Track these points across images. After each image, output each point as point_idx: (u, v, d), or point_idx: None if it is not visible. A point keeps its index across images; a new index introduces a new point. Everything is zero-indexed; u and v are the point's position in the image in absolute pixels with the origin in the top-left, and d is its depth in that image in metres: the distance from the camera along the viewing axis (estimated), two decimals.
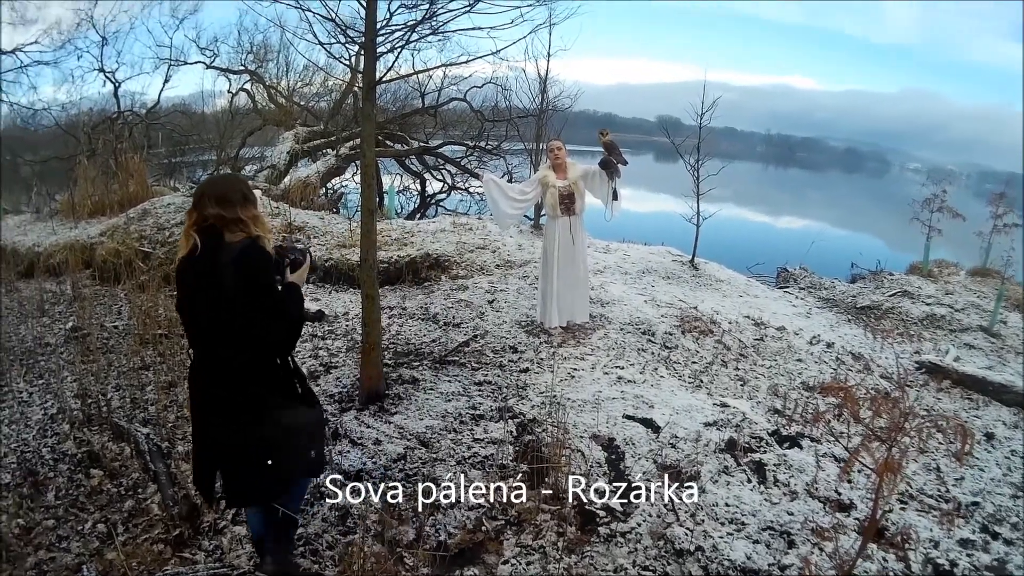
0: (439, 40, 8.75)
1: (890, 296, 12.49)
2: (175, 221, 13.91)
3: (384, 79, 7.14)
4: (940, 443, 7.19)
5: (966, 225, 14.83)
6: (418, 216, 22.15)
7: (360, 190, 7.67)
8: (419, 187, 26.04)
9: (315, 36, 7.17)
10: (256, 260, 3.87)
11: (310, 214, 15.04)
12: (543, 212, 9.76)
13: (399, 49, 7.01)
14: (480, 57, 8.14)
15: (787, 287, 13.56)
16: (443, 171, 25.39)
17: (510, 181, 15.86)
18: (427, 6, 6.81)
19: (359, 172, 8.01)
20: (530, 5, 6.86)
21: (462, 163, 23.94)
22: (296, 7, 6.84)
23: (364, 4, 6.53)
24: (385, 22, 6.72)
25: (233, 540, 5.33)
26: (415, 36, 6.92)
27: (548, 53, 14.81)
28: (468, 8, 6.82)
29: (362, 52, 6.85)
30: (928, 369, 9.25)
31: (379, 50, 6.73)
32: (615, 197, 9.31)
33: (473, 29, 7.11)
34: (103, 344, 9.43)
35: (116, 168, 18.56)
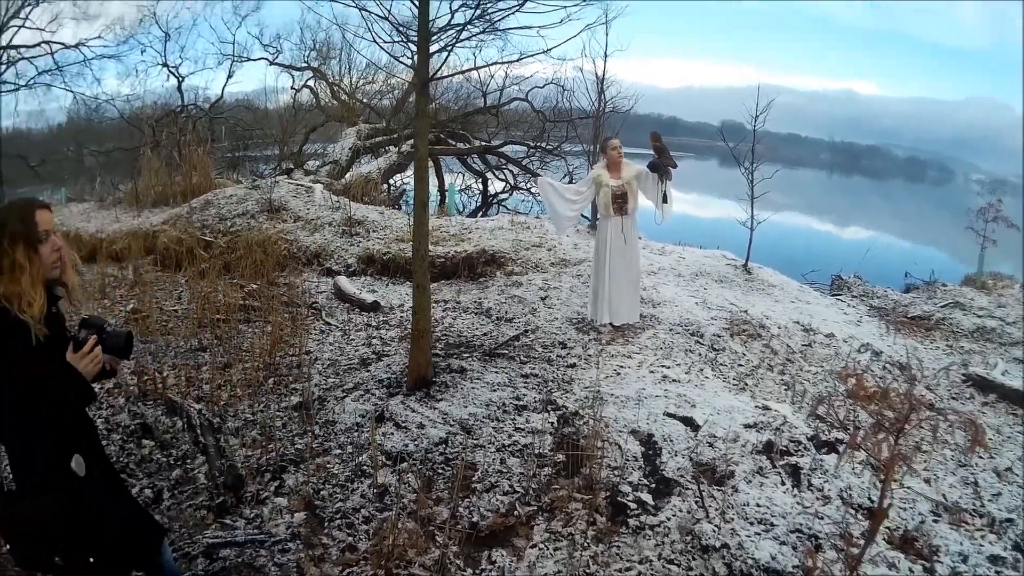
0: (493, 39, 8.85)
1: (942, 307, 12.36)
2: (236, 212, 14.29)
3: (436, 76, 7.26)
4: (981, 457, 7.17)
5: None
6: (480, 215, 22.21)
7: (414, 184, 7.77)
8: (481, 186, 26.06)
9: (372, 35, 7.27)
10: None
11: (370, 208, 15.29)
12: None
13: (451, 47, 7.14)
14: (531, 56, 8.21)
15: (840, 295, 13.49)
16: (505, 171, 25.30)
17: (570, 182, 15.91)
18: (476, 5, 6.92)
19: (413, 166, 8.13)
20: (577, 5, 6.92)
21: (523, 163, 23.93)
22: (353, 6, 6.98)
23: (417, 3, 6.67)
24: (448, 22, 6.88)
25: (274, 510, 5.55)
26: (466, 34, 7.04)
27: (605, 53, 14.87)
28: (517, 7, 6.92)
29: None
30: (975, 382, 9.12)
31: (432, 48, 6.87)
32: (665, 200, 9.33)
33: (523, 28, 7.22)
34: (162, 326, 9.72)
35: (180, 160, 18.90)
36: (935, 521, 5.81)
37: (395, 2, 6.98)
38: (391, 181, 22.51)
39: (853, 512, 5.69)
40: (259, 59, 27.58)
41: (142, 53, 27.49)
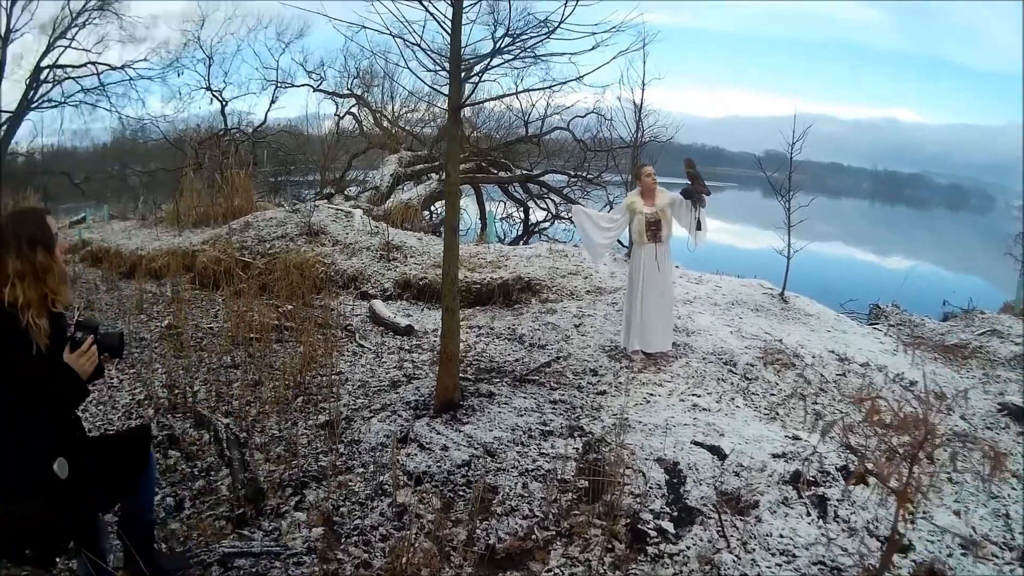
0: (529, 66, 8.96)
1: (979, 335, 12.24)
2: (276, 234, 14.47)
3: (467, 103, 7.32)
4: (1014, 488, 7.04)
5: None
6: (522, 243, 22.29)
7: (445, 209, 7.83)
8: (523, 215, 26.19)
9: (405, 62, 7.37)
10: None
11: (408, 234, 15.43)
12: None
13: (482, 74, 7.19)
14: (564, 83, 8.29)
15: (877, 324, 13.38)
16: (547, 200, 25.43)
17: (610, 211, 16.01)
18: (504, 33, 6.99)
19: (444, 192, 8.17)
20: (606, 32, 6.94)
21: (564, 192, 23.98)
22: (388, 33, 7.03)
23: (449, 31, 6.76)
24: (492, 49, 6.96)
25: (292, 524, 5.61)
26: (498, 60, 7.10)
27: (643, 82, 14.88)
28: (547, 34, 6.96)
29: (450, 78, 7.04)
30: (1011, 411, 8.95)
31: (466, 75, 6.94)
32: (699, 227, 9.34)
33: (554, 55, 7.28)
34: (196, 342, 9.91)
35: (221, 182, 19.15)
36: (963, 555, 5.69)
37: (429, 30, 7.07)
38: (431, 208, 22.67)
39: (880, 544, 5.62)
40: (303, 85, 28.21)
41: (179, 75, 28.35)
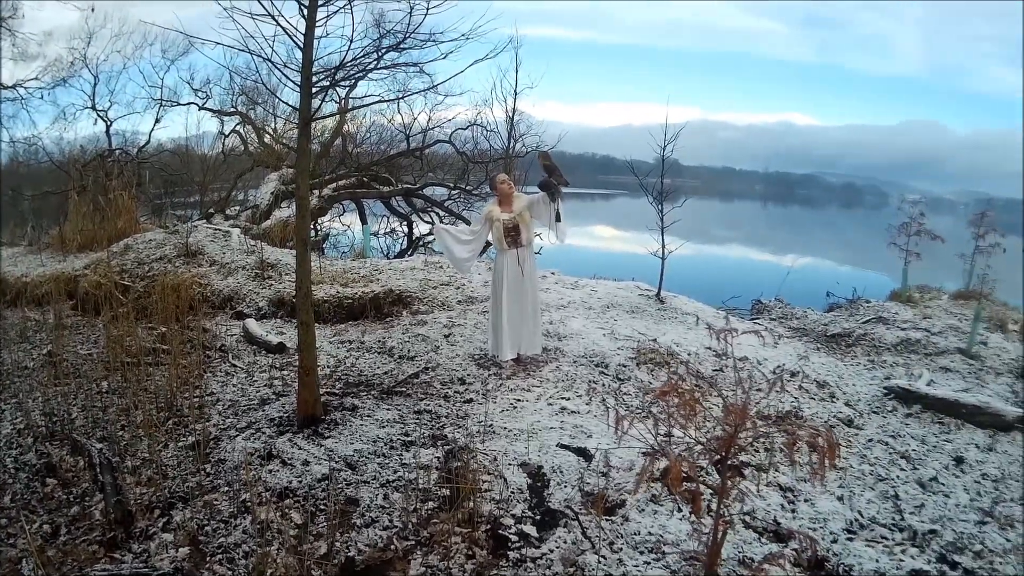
0: (386, 78, 9.01)
1: (863, 323, 12.56)
2: (155, 256, 14.33)
3: (317, 116, 7.32)
4: (903, 469, 7.26)
5: (955, 249, 14.90)
6: (406, 257, 22.40)
7: (296, 223, 7.83)
8: (406, 229, 26.21)
9: (260, 77, 7.41)
10: None
11: (285, 252, 15.28)
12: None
13: (326, 89, 7.19)
14: (417, 93, 8.41)
15: (758, 318, 13.65)
16: (431, 213, 25.41)
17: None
18: (348, 48, 7.01)
19: (296, 206, 8.16)
20: (454, 40, 7.03)
21: (446, 205, 24.10)
22: (246, 51, 7.00)
23: (301, 44, 6.75)
24: (342, 62, 6.97)
25: (160, 545, 5.58)
26: (344, 74, 7.11)
27: (515, 91, 15.03)
28: (395, 46, 7.01)
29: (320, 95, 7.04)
30: (896, 395, 9.20)
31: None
32: (558, 219, 9.40)
33: (407, 65, 7.32)
34: (75, 369, 9.74)
35: (105, 204, 18.86)
36: (849, 539, 5.83)
37: (283, 44, 7.05)
38: (315, 224, 22.53)
39: (757, 536, 5.72)
40: (188, 104, 27.61)
41: (45, 96, 27.56)
